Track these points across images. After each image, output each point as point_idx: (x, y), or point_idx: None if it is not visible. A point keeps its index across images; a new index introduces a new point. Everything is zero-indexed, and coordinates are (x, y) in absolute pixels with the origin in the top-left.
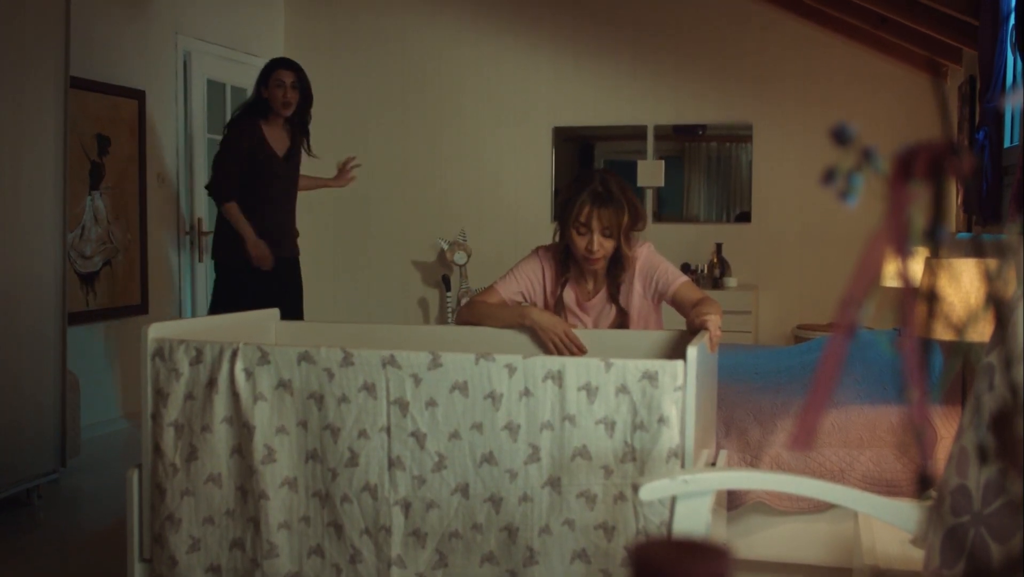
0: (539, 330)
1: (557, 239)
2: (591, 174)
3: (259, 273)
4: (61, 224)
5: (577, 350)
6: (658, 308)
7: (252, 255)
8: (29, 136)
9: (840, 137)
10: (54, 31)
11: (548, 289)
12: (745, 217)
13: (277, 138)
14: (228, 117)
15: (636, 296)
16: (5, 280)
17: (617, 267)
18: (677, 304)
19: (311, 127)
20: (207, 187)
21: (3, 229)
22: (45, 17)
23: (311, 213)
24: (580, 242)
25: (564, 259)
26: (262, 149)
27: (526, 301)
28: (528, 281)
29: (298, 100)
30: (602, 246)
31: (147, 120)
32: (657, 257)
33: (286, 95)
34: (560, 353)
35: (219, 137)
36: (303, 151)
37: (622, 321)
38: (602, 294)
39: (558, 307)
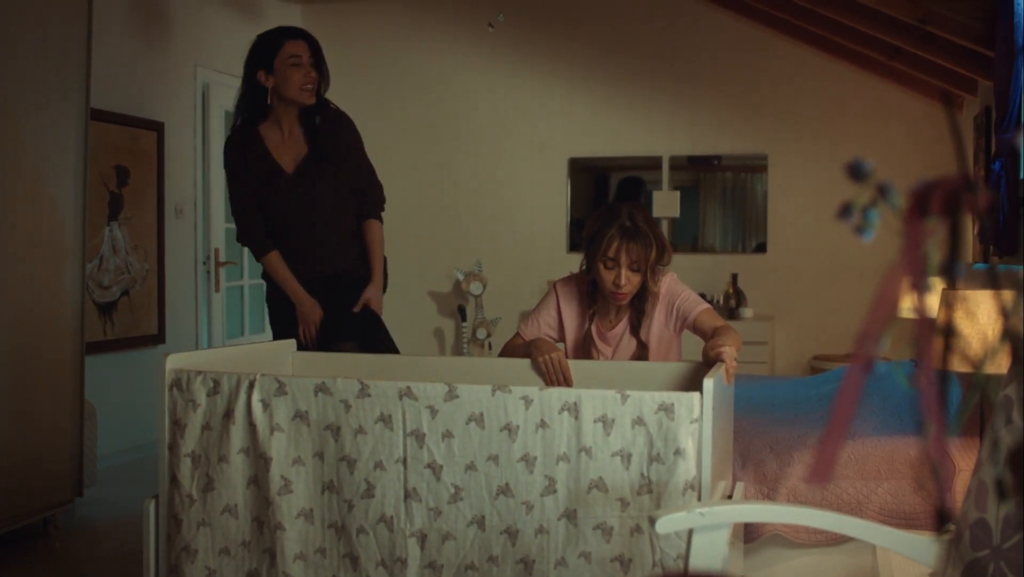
0: (533, 349)
1: (582, 269)
2: (619, 208)
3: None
4: (80, 254)
5: (563, 381)
6: (679, 337)
7: (300, 317)
8: (50, 166)
9: (856, 173)
10: (75, 63)
11: (564, 322)
12: (761, 248)
13: (284, 144)
14: None
15: (657, 324)
16: (24, 309)
17: (641, 300)
18: (698, 331)
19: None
20: (238, 239)
21: (23, 259)
22: (66, 49)
23: None
24: (608, 276)
25: (592, 292)
26: (263, 163)
27: (553, 339)
28: (546, 323)
29: (317, 80)
30: (629, 281)
31: (166, 151)
32: (679, 285)
33: (307, 75)
34: (546, 375)
35: None
36: (330, 157)
37: (641, 354)
38: (623, 324)
39: (586, 339)
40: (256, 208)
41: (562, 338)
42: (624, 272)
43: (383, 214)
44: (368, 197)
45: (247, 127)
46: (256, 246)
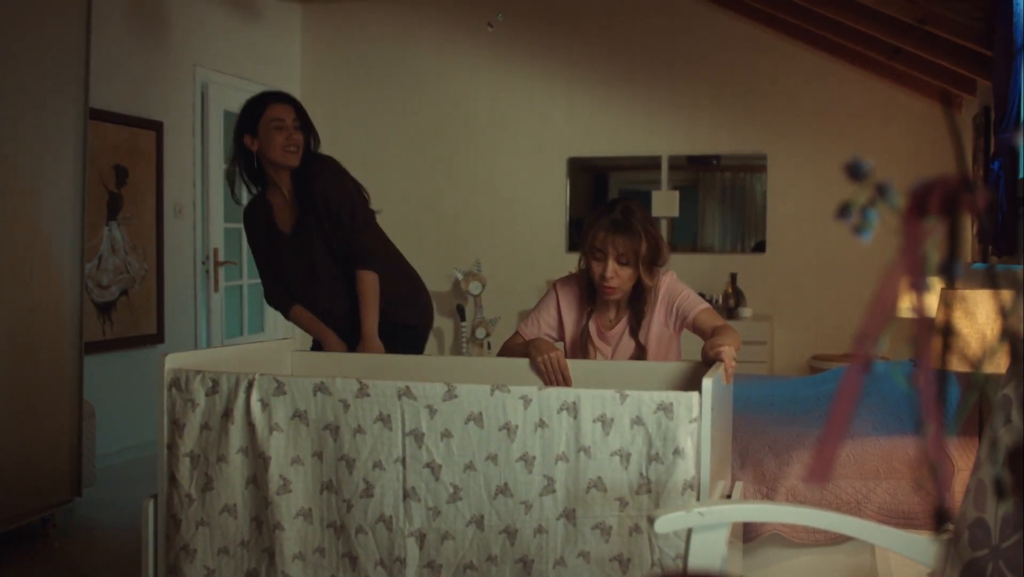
0: (532, 348)
1: (580, 268)
2: (613, 202)
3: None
4: (79, 254)
5: (562, 380)
6: (678, 337)
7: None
8: (49, 166)
9: (854, 172)
10: (74, 63)
11: (564, 321)
12: (760, 247)
13: (285, 207)
14: None
15: (657, 324)
16: (23, 309)
17: (639, 300)
18: (697, 330)
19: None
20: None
21: (22, 258)
22: (65, 49)
23: None
24: (596, 268)
25: (590, 289)
26: (269, 229)
27: (552, 338)
28: (546, 322)
29: (303, 142)
30: (616, 274)
31: (164, 151)
32: (679, 285)
33: (290, 138)
34: (545, 375)
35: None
36: (322, 219)
37: (640, 356)
38: (622, 325)
39: (584, 337)
40: (271, 271)
41: (562, 337)
42: (611, 264)
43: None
44: (356, 247)
45: (258, 195)
46: (280, 306)
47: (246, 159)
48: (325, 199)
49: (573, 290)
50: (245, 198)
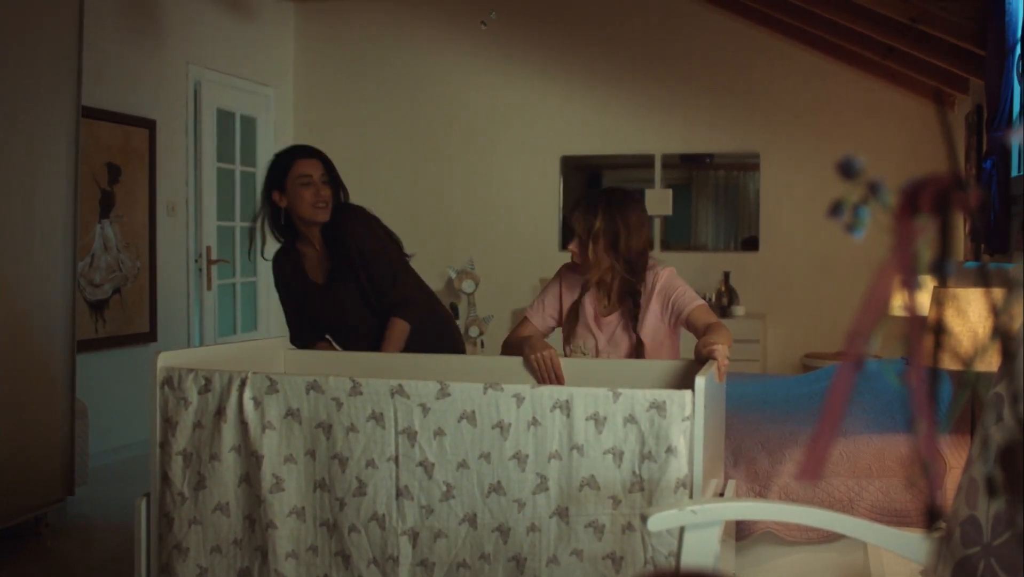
0: (526, 346)
1: None
2: (604, 188)
3: None
4: (71, 252)
5: (555, 378)
6: (674, 332)
7: None
8: (41, 164)
9: (846, 171)
10: (66, 61)
11: (564, 305)
12: (753, 245)
13: (316, 259)
14: (238, 147)
15: (653, 317)
16: (15, 307)
17: (630, 290)
18: (690, 326)
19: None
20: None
21: (14, 256)
22: (57, 47)
23: None
24: (570, 245)
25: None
26: (300, 279)
27: (556, 322)
28: (550, 304)
29: (331, 196)
30: (576, 248)
31: (157, 149)
32: (677, 280)
33: (318, 194)
34: (537, 372)
35: (229, 166)
36: (357, 270)
37: (638, 352)
38: (617, 315)
39: (572, 316)
40: (299, 317)
41: (561, 323)
42: (575, 239)
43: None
44: (393, 298)
45: (288, 245)
46: (305, 347)
47: (275, 214)
48: (360, 251)
49: (576, 274)
50: (269, 251)
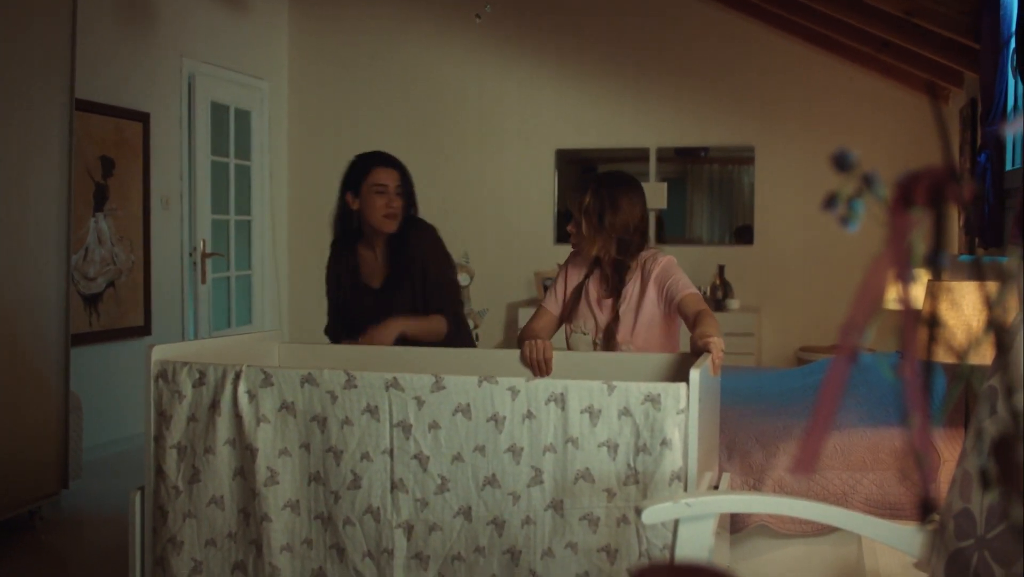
0: (525, 339)
1: None
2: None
3: None
4: (65, 245)
5: (545, 365)
6: (670, 320)
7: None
8: (34, 157)
9: (841, 163)
10: (60, 53)
11: (569, 287)
12: (748, 239)
13: (374, 263)
14: (232, 140)
15: (649, 303)
16: (9, 301)
17: (618, 268)
18: (681, 313)
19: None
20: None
21: (7, 250)
22: (51, 39)
23: (314, 236)
24: None
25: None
26: (353, 279)
27: (567, 309)
28: (560, 290)
29: (402, 208)
30: (571, 228)
31: (151, 142)
32: (674, 268)
33: (390, 204)
34: (529, 360)
35: (223, 160)
36: (415, 280)
37: (611, 328)
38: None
39: (575, 297)
40: (341, 315)
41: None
42: (573, 220)
43: None
44: (436, 303)
45: (348, 246)
46: (336, 340)
47: (346, 214)
48: (423, 259)
49: (580, 257)
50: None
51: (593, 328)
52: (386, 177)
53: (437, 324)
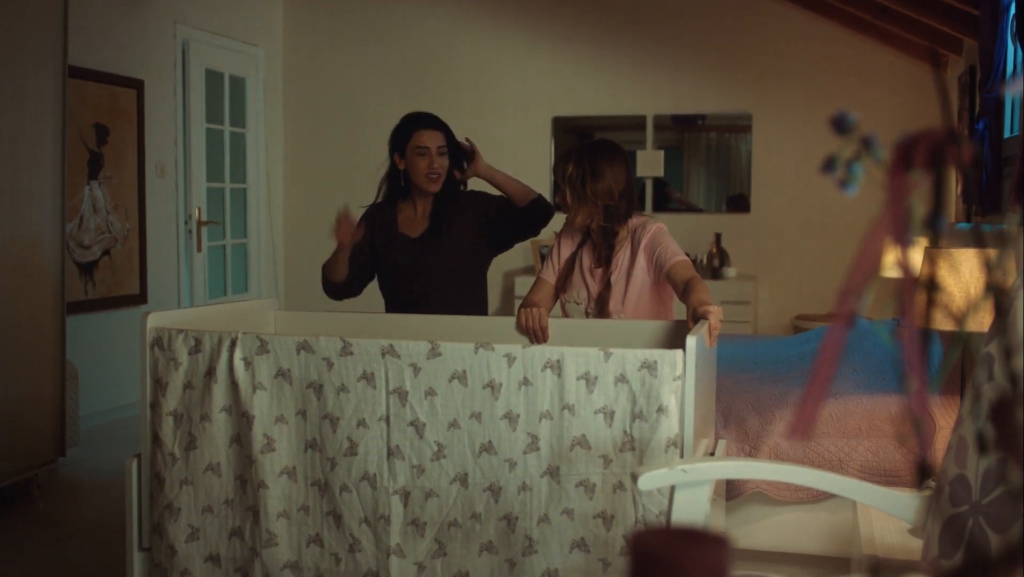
0: (522, 306)
1: None
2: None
3: None
4: (60, 214)
5: (541, 332)
6: (661, 287)
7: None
8: (28, 125)
9: (839, 125)
10: (53, 20)
11: (563, 256)
12: (744, 207)
13: (414, 219)
14: (227, 107)
15: (640, 271)
16: (4, 269)
17: (606, 235)
18: (671, 280)
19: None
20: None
21: (2, 218)
22: (44, 6)
23: (309, 204)
24: None
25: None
26: (387, 231)
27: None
28: (555, 261)
29: (447, 169)
30: (559, 198)
31: (146, 109)
32: (664, 236)
33: (432, 165)
34: (524, 328)
35: (218, 127)
36: (453, 233)
37: (603, 296)
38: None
39: (568, 267)
40: (357, 271)
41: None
42: (560, 189)
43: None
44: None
45: (388, 201)
46: (335, 295)
47: (394, 174)
48: (488, 199)
49: (572, 227)
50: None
51: (586, 297)
52: (428, 139)
53: (528, 187)
